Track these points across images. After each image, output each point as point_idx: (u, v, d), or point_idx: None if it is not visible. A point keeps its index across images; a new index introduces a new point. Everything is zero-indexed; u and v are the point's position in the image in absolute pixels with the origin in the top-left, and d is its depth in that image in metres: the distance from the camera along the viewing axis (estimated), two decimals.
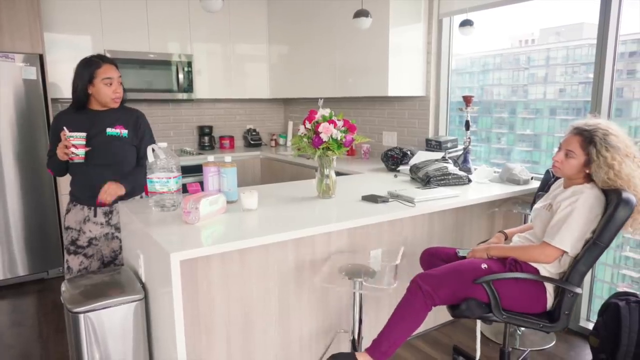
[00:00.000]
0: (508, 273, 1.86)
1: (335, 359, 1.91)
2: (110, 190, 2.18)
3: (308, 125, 2.22)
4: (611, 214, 1.72)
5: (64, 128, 2.07)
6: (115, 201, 2.26)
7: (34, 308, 3.21)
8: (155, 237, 1.69)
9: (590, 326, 2.62)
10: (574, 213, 1.80)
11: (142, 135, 2.35)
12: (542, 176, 2.61)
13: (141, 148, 2.31)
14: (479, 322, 2.11)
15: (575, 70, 2.99)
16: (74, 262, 2.30)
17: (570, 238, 1.80)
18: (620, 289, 2.71)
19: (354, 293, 2.03)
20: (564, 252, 1.82)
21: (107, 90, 2.19)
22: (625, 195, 1.73)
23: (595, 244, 1.74)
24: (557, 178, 2.14)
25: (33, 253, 3.56)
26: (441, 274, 1.91)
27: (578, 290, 1.78)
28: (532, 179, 2.79)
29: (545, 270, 1.87)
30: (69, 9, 3.70)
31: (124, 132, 2.27)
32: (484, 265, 1.90)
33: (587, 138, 1.83)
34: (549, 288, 1.87)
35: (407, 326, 1.88)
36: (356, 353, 1.91)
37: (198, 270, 1.90)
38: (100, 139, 2.20)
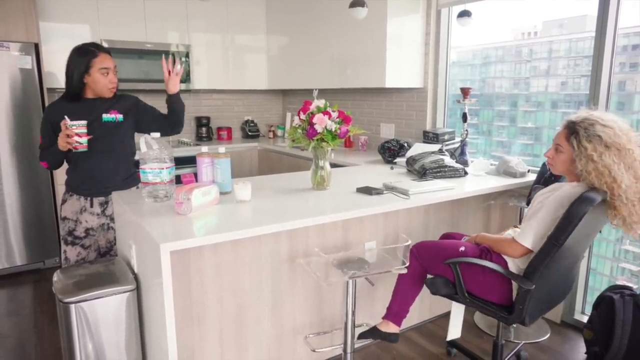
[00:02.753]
0: (471, 258, 1.90)
1: (364, 336, 2.14)
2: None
3: (302, 116, 2.20)
4: (566, 211, 1.66)
5: (65, 117, 2.06)
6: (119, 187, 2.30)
7: (30, 298, 3.22)
8: (147, 228, 1.68)
9: (585, 319, 2.62)
10: (542, 210, 1.78)
11: (135, 110, 2.36)
12: (539, 169, 2.60)
13: (146, 117, 2.39)
14: (453, 303, 2.14)
15: (578, 63, 2.96)
16: (71, 253, 2.30)
17: (532, 235, 1.79)
18: (619, 283, 2.71)
19: (347, 285, 2.02)
20: (529, 248, 1.80)
21: (104, 80, 2.19)
22: (587, 194, 1.65)
23: (549, 241, 1.70)
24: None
25: (30, 243, 3.57)
26: (429, 245, 2.09)
27: (529, 285, 1.74)
28: (528, 171, 2.78)
29: (514, 263, 1.87)
30: None
31: (119, 116, 2.27)
32: (461, 248, 1.98)
33: (571, 129, 1.77)
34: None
35: (408, 287, 2.10)
36: (376, 325, 2.13)
37: (190, 261, 1.90)
38: (96, 126, 2.19)
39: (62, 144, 2.08)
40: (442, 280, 1.98)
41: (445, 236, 2.33)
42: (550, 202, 1.77)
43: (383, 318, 2.14)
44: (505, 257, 1.88)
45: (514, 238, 1.84)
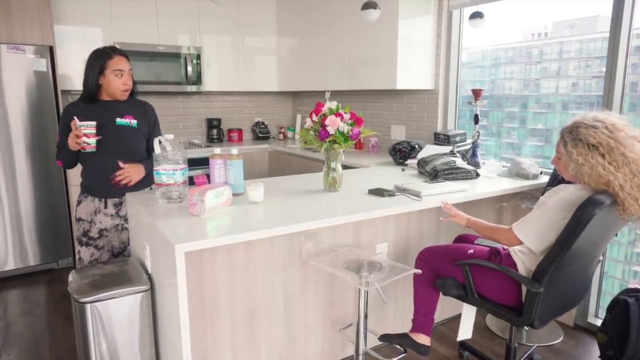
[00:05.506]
0: (481, 260, 1.91)
1: (387, 339, 2.14)
2: (131, 173, 2.22)
3: (315, 118, 2.20)
4: (574, 214, 1.65)
5: (74, 118, 2.09)
6: (133, 188, 2.30)
7: (43, 298, 3.26)
8: (161, 229, 1.70)
9: (599, 322, 2.59)
10: (542, 208, 1.78)
11: (152, 126, 2.38)
12: (552, 171, 2.58)
13: (151, 140, 2.32)
14: (464, 304, 2.13)
15: (589, 64, 2.94)
16: (85, 253, 2.33)
17: (528, 229, 1.81)
18: (631, 286, 2.68)
19: (360, 287, 2.02)
20: (523, 242, 1.83)
21: (117, 82, 2.21)
22: (595, 196, 1.64)
23: (557, 244, 1.70)
24: None
25: (43, 243, 3.61)
26: (437, 249, 2.11)
27: (537, 288, 1.74)
28: (541, 173, 2.76)
29: (524, 265, 1.85)
30: (79, 0, 3.71)
31: (134, 122, 2.29)
32: (470, 251, 1.99)
33: (561, 135, 1.79)
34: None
35: (427, 293, 2.10)
36: (407, 332, 2.14)
37: (203, 262, 1.91)
38: (110, 128, 2.22)
39: (71, 143, 2.12)
40: (452, 282, 1.98)
41: (459, 238, 2.33)
42: (553, 202, 1.76)
43: (411, 332, 2.13)
44: (515, 259, 1.87)
45: (512, 228, 1.86)
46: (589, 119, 1.74)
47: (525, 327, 2.69)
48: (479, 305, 1.96)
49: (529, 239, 1.81)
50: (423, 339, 2.10)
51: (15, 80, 3.37)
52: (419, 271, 2.00)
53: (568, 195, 1.74)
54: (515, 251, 1.88)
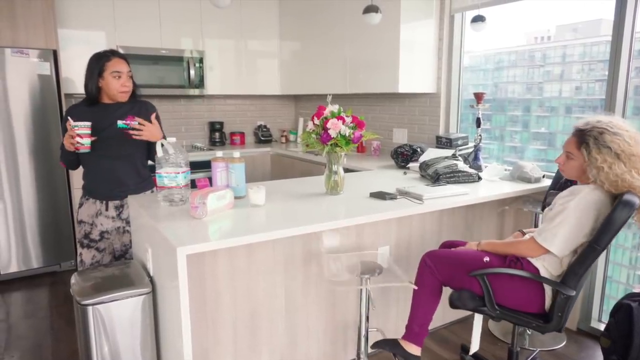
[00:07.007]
0: (502, 268, 1.85)
1: (380, 345, 2.06)
2: (145, 130, 2.15)
3: (316, 121, 2.21)
4: (609, 216, 1.66)
5: (68, 118, 2.10)
6: (124, 194, 2.29)
7: (46, 300, 3.27)
8: (163, 232, 1.70)
9: (602, 327, 2.58)
10: (564, 213, 1.76)
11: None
12: (554, 174, 2.57)
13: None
14: (477, 315, 2.08)
15: (592, 68, 2.94)
16: (86, 255, 2.33)
17: (554, 237, 1.77)
18: (635, 290, 2.66)
19: (361, 290, 2.02)
20: (549, 250, 1.79)
21: (115, 84, 2.22)
22: (626, 197, 1.66)
23: (591, 247, 1.69)
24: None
25: (46, 246, 3.62)
26: (445, 255, 2.01)
27: (570, 292, 1.72)
28: (543, 177, 2.76)
29: (546, 270, 1.83)
30: (83, 5, 3.74)
31: (135, 123, 2.29)
32: (486, 259, 1.91)
33: (580, 138, 1.78)
34: (548, 289, 1.83)
35: (427, 303, 2.00)
36: (398, 339, 2.03)
37: (205, 265, 1.92)
38: (111, 131, 2.22)
39: (66, 144, 2.13)
40: (468, 294, 1.89)
41: (446, 244, 2.26)
42: (574, 206, 1.75)
43: (403, 338, 2.04)
44: (536, 265, 1.83)
45: (534, 238, 1.82)
46: (607, 124, 1.75)
47: (528, 332, 2.69)
48: (500, 316, 1.86)
49: (555, 246, 1.76)
50: (414, 349, 2.01)
51: (19, 83, 3.39)
52: (415, 287, 1.96)
53: (586, 196, 1.75)
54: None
